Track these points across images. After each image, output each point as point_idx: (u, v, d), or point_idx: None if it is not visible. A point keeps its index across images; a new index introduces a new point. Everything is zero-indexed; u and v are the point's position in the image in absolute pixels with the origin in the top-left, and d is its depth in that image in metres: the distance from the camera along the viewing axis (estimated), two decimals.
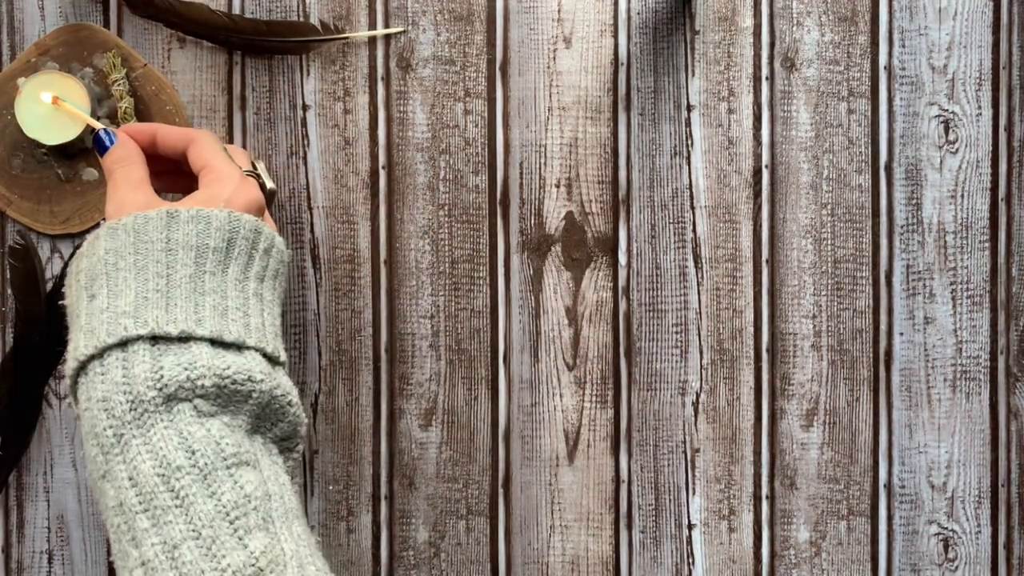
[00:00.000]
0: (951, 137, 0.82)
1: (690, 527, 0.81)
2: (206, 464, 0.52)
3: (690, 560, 0.81)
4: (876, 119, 0.82)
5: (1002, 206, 0.82)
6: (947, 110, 0.82)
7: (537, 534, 0.81)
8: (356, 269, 0.81)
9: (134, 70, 0.79)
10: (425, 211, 0.81)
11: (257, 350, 0.58)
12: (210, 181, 0.63)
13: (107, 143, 0.65)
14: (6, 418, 0.79)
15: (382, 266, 0.81)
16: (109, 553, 0.80)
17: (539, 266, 0.81)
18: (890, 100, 0.82)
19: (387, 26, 0.81)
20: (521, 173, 0.81)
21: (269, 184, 0.71)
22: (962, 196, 0.82)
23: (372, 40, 0.81)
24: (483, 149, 0.81)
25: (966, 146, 0.82)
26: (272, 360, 0.60)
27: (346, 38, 0.81)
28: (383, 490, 0.81)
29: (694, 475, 0.81)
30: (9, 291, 0.80)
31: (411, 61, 0.81)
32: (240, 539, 0.51)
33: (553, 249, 0.81)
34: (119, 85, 0.78)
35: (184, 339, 0.55)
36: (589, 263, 0.81)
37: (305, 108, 0.81)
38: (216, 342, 0.56)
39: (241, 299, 0.59)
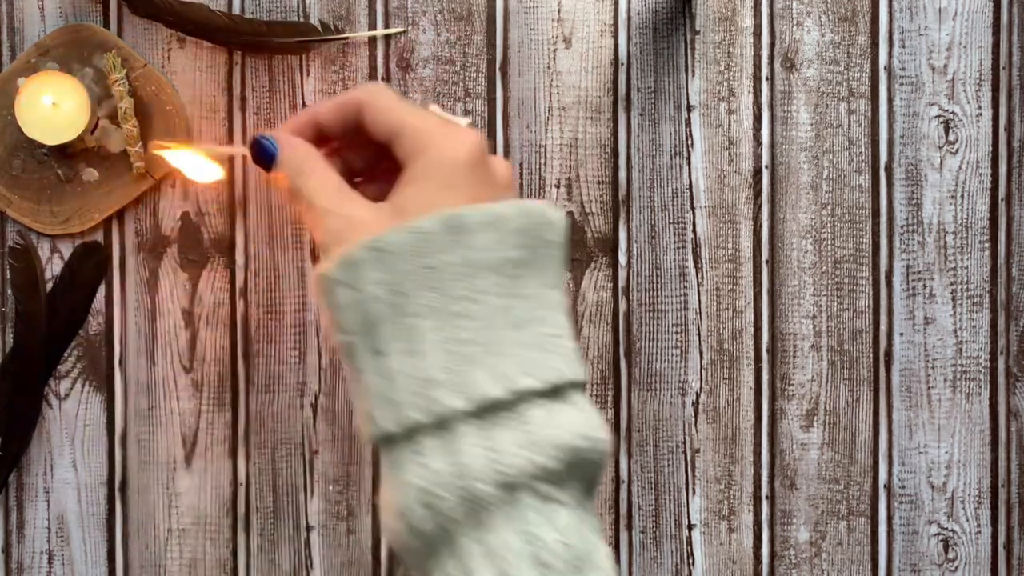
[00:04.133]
0: (951, 137, 0.82)
1: (690, 527, 0.81)
2: None
3: (690, 560, 0.81)
4: (876, 119, 0.82)
5: (1002, 206, 0.82)
6: (947, 110, 0.82)
7: None
8: None
9: (134, 70, 0.79)
10: None
11: (581, 384, 0.45)
12: (426, 146, 0.45)
13: (272, 150, 0.48)
14: (6, 418, 0.79)
15: None
16: (109, 553, 0.80)
17: None
18: (890, 100, 0.82)
19: (387, 26, 0.81)
20: (521, 173, 0.81)
21: (465, 122, 0.51)
22: (962, 196, 0.82)
23: (372, 40, 0.81)
24: None
25: (966, 146, 0.82)
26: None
27: (346, 38, 0.81)
28: None
29: (694, 475, 0.81)
30: (9, 291, 0.80)
31: (411, 61, 0.81)
32: None
33: None
34: (119, 85, 0.78)
35: (513, 401, 0.42)
36: (589, 263, 0.81)
37: (304, 108, 0.81)
38: (544, 392, 0.43)
39: (555, 320, 0.44)
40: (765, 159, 0.81)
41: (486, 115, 0.81)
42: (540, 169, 0.81)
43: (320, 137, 0.50)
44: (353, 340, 0.43)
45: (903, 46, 0.82)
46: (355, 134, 0.49)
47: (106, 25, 0.80)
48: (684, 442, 0.81)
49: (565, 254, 0.47)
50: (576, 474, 0.43)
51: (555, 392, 0.43)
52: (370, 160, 0.50)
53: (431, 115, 0.46)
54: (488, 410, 0.41)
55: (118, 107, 0.78)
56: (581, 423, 0.43)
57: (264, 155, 0.48)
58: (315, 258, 0.43)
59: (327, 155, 0.49)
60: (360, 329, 0.43)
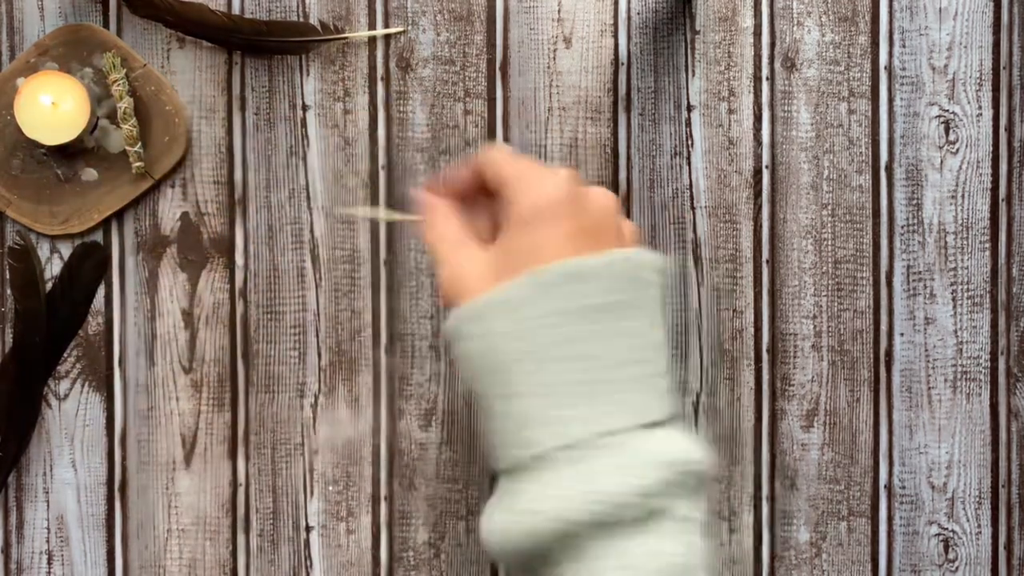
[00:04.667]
0: (951, 137, 0.82)
1: None
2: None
3: None
4: (876, 119, 0.82)
5: (1003, 206, 0.82)
6: (947, 110, 0.82)
7: None
8: (356, 269, 0.81)
9: (134, 70, 0.79)
10: None
11: (671, 419, 0.48)
12: (523, 190, 0.49)
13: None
14: (6, 418, 0.79)
15: (382, 266, 0.81)
16: (108, 554, 0.80)
17: None
18: (890, 100, 0.82)
19: (387, 26, 0.81)
20: None
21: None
22: (963, 196, 0.82)
23: (372, 40, 0.81)
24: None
25: (966, 146, 0.82)
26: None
27: (346, 38, 0.81)
28: (383, 491, 0.81)
29: None
30: (9, 291, 0.80)
31: (411, 61, 0.81)
32: None
33: None
34: (119, 85, 0.78)
35: (625, 430, 0.46)
36: None
37: (305, 108, 0.81)
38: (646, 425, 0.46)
39: (656, 359, 0.48)
40: (765, 159, 0.81)
41: (486, 115, 0.81)
42: None
43: (463, 195, 0.54)
44: (480, 385, 0.47)
45: (903, 46, 0.81)
46: (483, 189, 0.53)
47: (105, 25, 0.80)
48: None
49: (663, 293, 0.50)
50: (685, 490, 0.46)
51: (653, 425, 0.46)
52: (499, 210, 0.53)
53: (530, 163, 0.50)
54: (606, 436, 0.45)
55: (117, 107, 0.78)
56: (683, 443, 0.46)
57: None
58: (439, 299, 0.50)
59: (467, 209, 0.54)
60: (487, 373, 0.47)
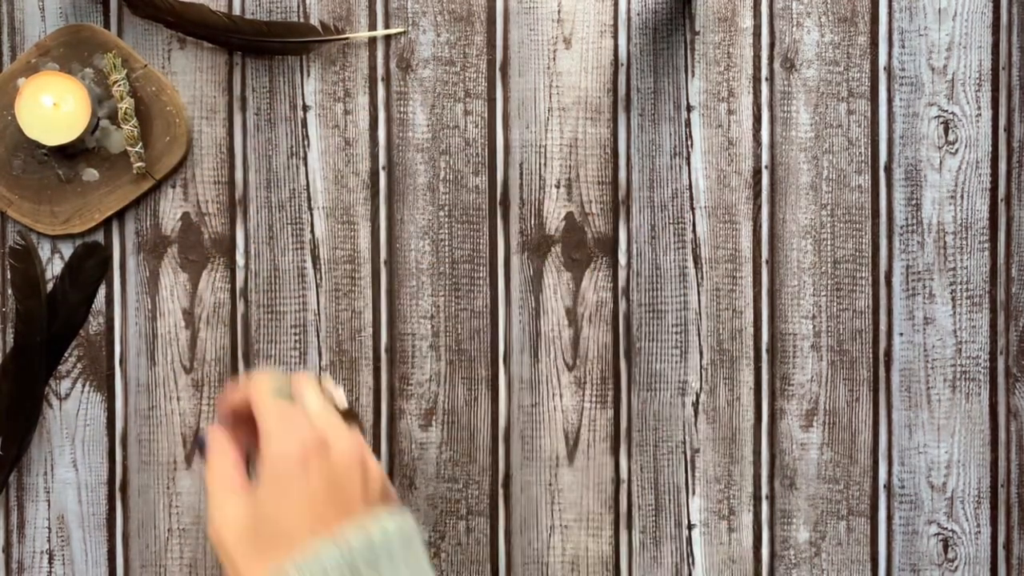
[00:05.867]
0: (951, 138, 0.82)
1: (690, 527, 0.81)
2: None
3: (690, 560, 0.81)
4: (876, 120, 0.82)
5: (1002, 207, 0.82)
6: (947, 111, 0.82)
7: (537, 534, 0.81)
8: (356, 270, 0.81)
9: (134, 71, 0.79)
10: (425, 212, 0.81)
11: None
12: (265, 441, 0.52)
13: (204, 442, 0.56)
14: (6, 418, 0.79)
15: (382, 266, 0.81)
16: (109, 553, 0.80)
17: (539, 266, 0.81)
18: (890, 101, 0.82)
19: (387, 27, 0.81)
20: (521, 173, 0.81)
21: (343, 404, 0.57)
22: (962, 197, 0.82)
23: (372, 41, 0.81)
24: (483, 149, 0.81)
25: (966, 147, 0.82)
26: None
27: (346, 39, 0.81)
28: None
29: (694, 475, 0.82)
30: (9, 291, 0.80)
31: (411, 62, 0.81)
32: None
33: (553, 249, 0.81)
34: (119, 86, 0.78)
35: None
36: (589, 263, 0.81)
37: (305, 109, 0.81)
38: None
39: None
40: (765, 159, 0.82)
41: (486, 115, 0.81)
42: (540, 169, 0.81)
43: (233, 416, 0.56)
44: None
45: (903, 46, 0.82)
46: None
47: (106, 25, 0.80)
48: (684, 442, 0.82)
49: (419, 547, 0.52)
50: None
51: None
52: None
53: (279, 405, 0.52)
54: None
55: (118, 107, 0.78)
56: None
57: (203, 446, 0.55)
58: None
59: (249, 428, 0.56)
60: None
